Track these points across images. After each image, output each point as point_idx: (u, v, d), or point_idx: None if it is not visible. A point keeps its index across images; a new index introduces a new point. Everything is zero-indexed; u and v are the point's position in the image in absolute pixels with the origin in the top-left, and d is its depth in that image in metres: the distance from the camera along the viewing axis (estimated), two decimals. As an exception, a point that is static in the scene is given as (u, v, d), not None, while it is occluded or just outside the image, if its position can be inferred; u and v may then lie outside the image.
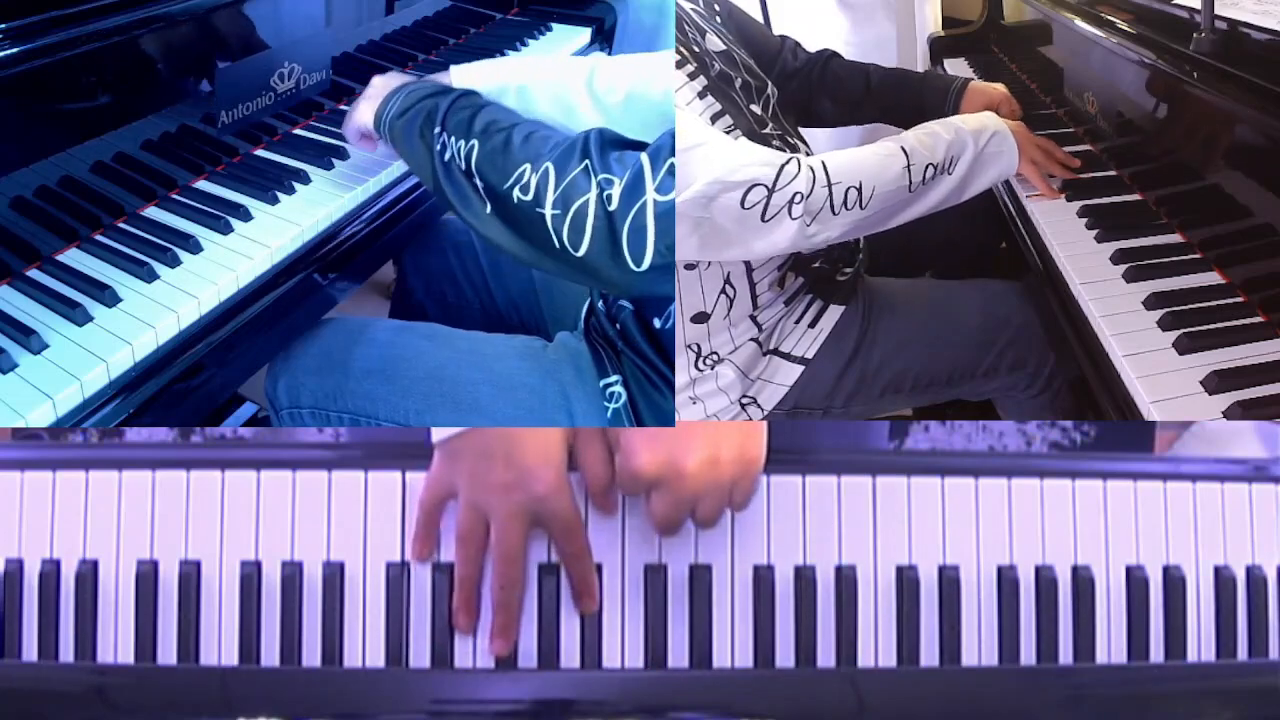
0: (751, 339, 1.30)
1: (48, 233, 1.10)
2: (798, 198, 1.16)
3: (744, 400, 1.31)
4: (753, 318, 1.29)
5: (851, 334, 1.32)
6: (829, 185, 1.17)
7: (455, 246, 1.45)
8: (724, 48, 1.29)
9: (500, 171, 0.99)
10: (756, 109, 1.30)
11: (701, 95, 1.21)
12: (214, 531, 0.86)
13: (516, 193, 0.97)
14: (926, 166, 1.24)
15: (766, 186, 1.14)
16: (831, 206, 1.18)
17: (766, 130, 1.29)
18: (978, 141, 1.28)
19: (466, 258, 1.43)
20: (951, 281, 1.45)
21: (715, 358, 1.28)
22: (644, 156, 0.94)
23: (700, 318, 1.26)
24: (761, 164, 1.15)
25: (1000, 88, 1.59)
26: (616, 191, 0.93)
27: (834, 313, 1.32)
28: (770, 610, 0.86)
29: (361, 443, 0.92)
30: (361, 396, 1.20)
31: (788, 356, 1.31)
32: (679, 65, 1.21)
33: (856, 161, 1.22)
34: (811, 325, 1.32)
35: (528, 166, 0.97)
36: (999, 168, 1.30)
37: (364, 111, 1.19)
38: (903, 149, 1.24)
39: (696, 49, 1.24)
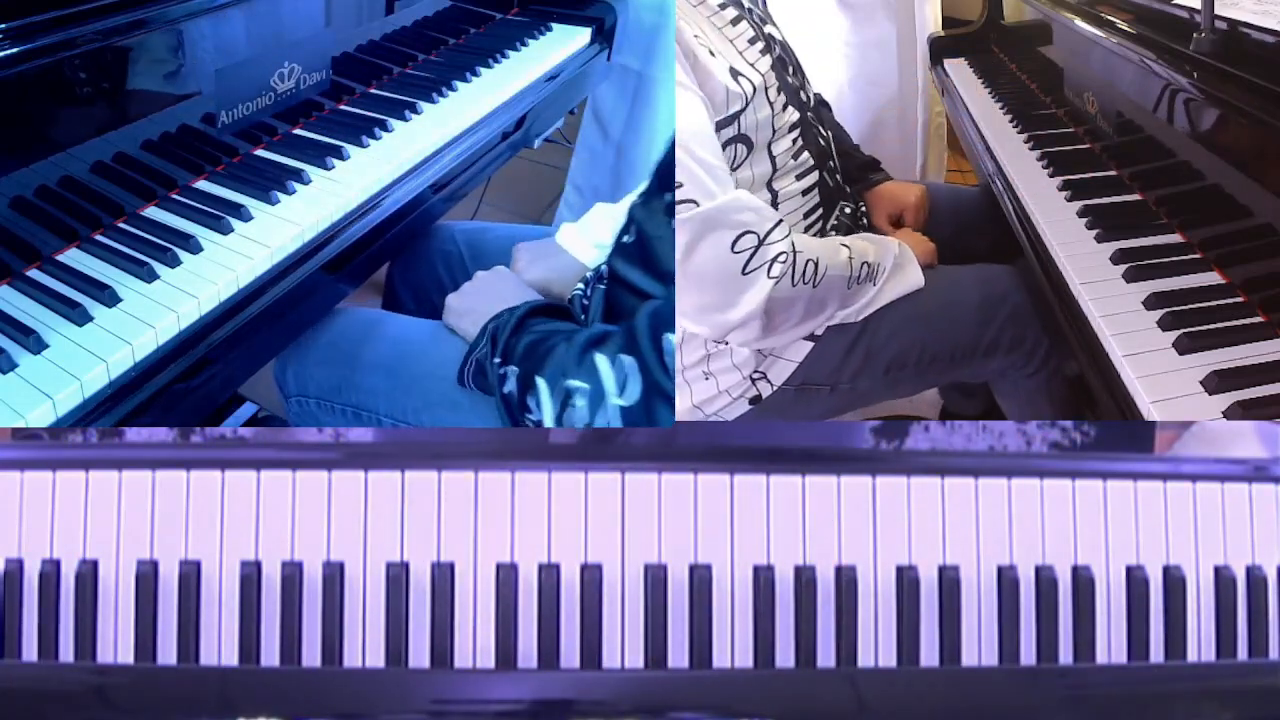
0: None
1: (48, 233, 1.10)
2: (782, 257, 1.18)
3: (754, 376, 1.32)
4: None
5: None
6: (794, 253, 1.20)
7: (444, 256, 1.45)
8: (782, 39, 1.35)
9: (530, 398, 1.00)
10: (804, 95, 1.36)
11: (773, 67, 1.27)
12: (214, 531, 0.86)
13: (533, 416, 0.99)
14: (863, 264, 1.29)
15: (758, 236, 1.16)
16: (792, 276, 1.19)
17: (809, 117, 1.34)
18: (893, 253, 1.34)
19: (455, 267, 1.44)
20: (950, 266, 1.46)
21: None
22: (602, 362, 0.95)
23: None
24: (759, 214, 1.17)
25: (917, 194, 1.57)
26: (583, 403, 0.96)
27: None
28: (770, 610, 0.86)
29: (361, 443, 0.92)
30: (365, 391, 1.20)
31: None
32: (751, 41, 1.27)
33: (810, 240, 1.25)
34: None
35: (543, 384, 0.99)
36: (908, 278, 1.34)
37: (466, 327, 1.19)
38: (844, 244, 1.29)
39: (765, 31, 1.30)
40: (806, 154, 1.33)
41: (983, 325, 1.38)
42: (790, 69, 1.35)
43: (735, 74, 1.22)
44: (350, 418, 1.21)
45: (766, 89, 1.26)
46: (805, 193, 1.34)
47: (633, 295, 1.04)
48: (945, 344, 1.38)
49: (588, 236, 1.30)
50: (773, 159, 1.28)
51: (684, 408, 1.34)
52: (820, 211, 1.37)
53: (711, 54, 1.21)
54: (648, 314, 0.95)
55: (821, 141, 1.38)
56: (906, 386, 1.43)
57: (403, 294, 1.48)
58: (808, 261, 1.21)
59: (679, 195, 1.12)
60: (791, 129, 1.30)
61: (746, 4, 1.32)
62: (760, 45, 1.29)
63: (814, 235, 1.37)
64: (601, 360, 0.96)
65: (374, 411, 1.20)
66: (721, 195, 1.15)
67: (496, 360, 1.06)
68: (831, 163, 1.40)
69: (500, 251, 1.41)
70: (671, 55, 1.20)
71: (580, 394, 0.96)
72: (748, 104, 1.22)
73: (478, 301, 1.20)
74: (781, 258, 1.18)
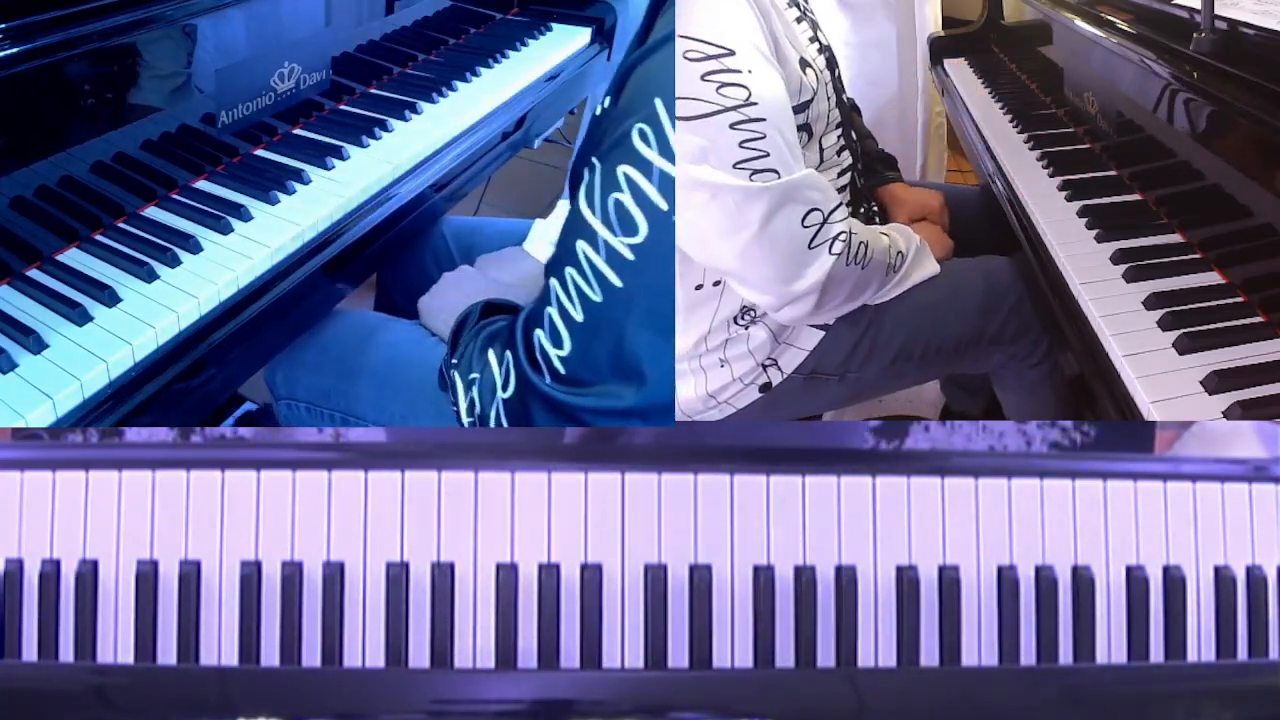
0: None
1: (48, 233, 1.10)
2: (842, 236, 1.22)
3: (765, 362, 1.33)
4: None
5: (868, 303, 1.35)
6: (850, 234, 1.23)
7: (434, 255, 1.45)
8: (827, 42, 1.37)
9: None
10: (844, 97, 1.39)
11: (827, 66, 1.31)
12: (214, 531, 0.86)
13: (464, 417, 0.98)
14: (898, 253, 1.34)
15: (823, 213, 1.20)
16: (847, 256, 1.23)
17: (841, 116, 1.37)
18: (915, 243, 1.38)
19: (445, 264, 1.44)
20: (955, 259, 1.47)
21: (752, 316, 1.31)
22: (492, 356, 0.94)
23: None
24: (825, 193, 1.20)
25: (940, 199, 1.55)
26: (475, 394, 0.95)
27: None
28: (770, 610, 0.86)
29: (361, 443, 0.92)
30: (352, 397, 1.20)
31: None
32: (810, 40, 1.29)
33: (860, 225, 1.29)
34: None
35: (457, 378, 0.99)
36: (926, 267, 1.39)
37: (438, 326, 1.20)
38: (883, 232, 1.33)
39: (817, 33, 1.34)
40: (847, 153, 1.36)
41: (986, 316, 1.40)
42: (835, 71, 1.38)
43: (805, 65, 1.24)
44: (338, 423, 1.22)
45: (825, 84, 1.30)
46: (840, 190, 1.35)
47: None
48: (949, 335, 1.39)
49: (548, 236, 1.31)
50: (822, 151, 1.32)
51: (698, 395, 1.35)
52: (849, 210, 1.38)
53: (789, 43, 1.23)
54: (524, 312, 0.94)
55: (854, 143, 1.41)
56: (910, 378, 1.45)
57: (393, 291, 1.48)
58: (860, 243, 1.25)
59: (761, 165, 1.15)
60: (836, 126, 1.34)
61: (803, 6, 1.34)
62: (817, 45, 1.32)
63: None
64: (492, 355, 0.95)
65: (361, 418, 1.20)
66: (799, 171, 1.18)
67: (452, 360, 1.05)
68: (859, 165, 1.43)
69: (490, 249, 1.41)
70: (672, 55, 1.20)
71: (475, 385, 0.95)
72: (815, 96, 1.26)
73: (447, 300, 1.20)
74: (842, 237, 1.22)
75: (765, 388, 1.36)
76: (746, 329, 1.32)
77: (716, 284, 1.28)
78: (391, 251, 1.45)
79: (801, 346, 1.34)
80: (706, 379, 1.34)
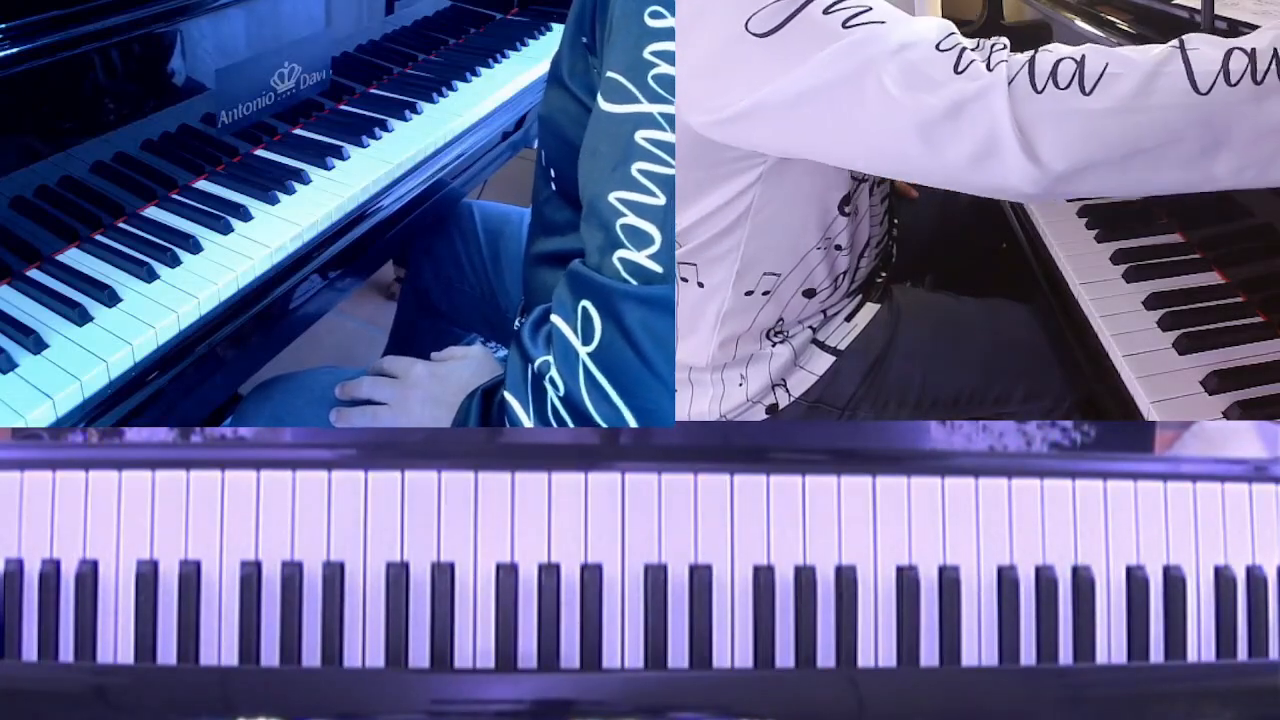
0: (811, 326, 1.29)
1: (48, 233, 1.10)
2: (1000, 48, 0.90)
3: (776, 383, 1.31)
4: (824, 311, 1.28)
5: (880, 336, 1.31)
6: (1034, 53, 0.88)
7: (462, 233, 1.46)
8: None
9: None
10: None
11: None
12: (214, 531, 0.86)
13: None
14: (1230, 54, 0.80)
15: (962, 42, 0.91)
16: (1032, 78, 0.85)
17: None
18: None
19: (471, 245, 1.44)
20: (969, 300, 1.41)
21: (783, 335, 1.27)
22: (555, 319, 0.87)
23: (810, 294, 1.24)
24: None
25: None
26: (555, 374, 0.87)
27: (869, 310, 1.31)
28: (770, 610, 0.86)
29: (361, 443, 0.92)
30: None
31: (822, 345, 1.30)
32: None
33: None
34: (848, 319, 1.31)
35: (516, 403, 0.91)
36: None
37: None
38: (1180, 40, 0.87)
39: None
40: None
41: (991, 375, 1.32)
42: None
43: None
44: None
45: None
46: (883, 200, 1.28)
47: (547, 262, 1.03)
48: (947, 388, 1.32)
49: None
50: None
51: (710, 412, 1.32)
52: (887, 222, 1.32)
53: None
54: (578, 268, 0.88)
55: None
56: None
57: (422, 267, 1.49)
58: (1059, 62, 0.87)
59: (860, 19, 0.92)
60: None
61: None
62: None
63: (879, 245, 1.29)
64: (559, 321, 0.87)
65: None
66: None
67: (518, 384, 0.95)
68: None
69: (518, 238, 1.41)
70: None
71: (546, 366, 0.88)
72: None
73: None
74: (999, 47, 0.90)
75: (772, 409, 1.33)
76: (775, 346, 1.28)
77: (766, 293, 1.21)
78: (417, 235, 1.45)
79: (812, 371, 1.30)
80: (724, 395, 1.31)
